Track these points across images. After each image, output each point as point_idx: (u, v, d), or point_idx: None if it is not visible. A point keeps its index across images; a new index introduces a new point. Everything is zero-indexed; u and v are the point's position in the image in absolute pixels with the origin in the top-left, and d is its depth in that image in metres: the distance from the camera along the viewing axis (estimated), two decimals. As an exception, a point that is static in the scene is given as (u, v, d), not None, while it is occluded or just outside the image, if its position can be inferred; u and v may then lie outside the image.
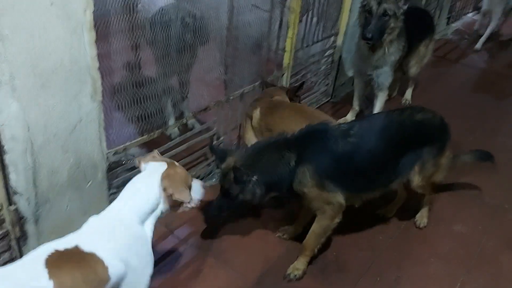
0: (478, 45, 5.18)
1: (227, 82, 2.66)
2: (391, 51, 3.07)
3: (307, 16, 3.09)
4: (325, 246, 2.33)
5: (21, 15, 1.43)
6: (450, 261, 2.33)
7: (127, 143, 2.19)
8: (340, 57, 3.68)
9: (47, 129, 1.66)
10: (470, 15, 5.92)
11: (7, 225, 1.70)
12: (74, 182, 1.84)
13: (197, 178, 2.67)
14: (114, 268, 1.41)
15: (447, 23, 5.68)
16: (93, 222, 1.55)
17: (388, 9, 2.84)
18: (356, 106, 3.52)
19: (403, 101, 3.90)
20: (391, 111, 2.41)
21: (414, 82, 3.86)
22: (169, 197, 1.63)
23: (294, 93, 2.75)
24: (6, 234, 1.72)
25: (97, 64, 1.71)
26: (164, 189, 1.62)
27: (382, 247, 2.41)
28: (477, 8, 5.34)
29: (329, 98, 3.86)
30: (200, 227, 2.41)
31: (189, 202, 1.71)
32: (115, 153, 2.07)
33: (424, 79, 4.13)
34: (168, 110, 2.73)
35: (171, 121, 2.70)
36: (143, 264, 1.57)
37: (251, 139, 2.59)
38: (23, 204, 1.70)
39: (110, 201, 2.11)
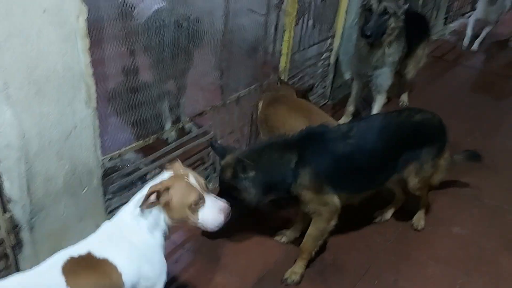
0: (475, 46, 5.16)
1: (223, 86, 2.66)
2: (391, 52, 3.06)
3: (303, 19, 3.08)
4: (322, 249, 2.32)
5: (14, 23, 1.43)
6: (449, 263, 2.32)
7: (123, 149, 2.18)
8: (337, 59, 3.68)
9: (42, 136, 1.65)
10: (468, 15, 5.90)
11: (2, 233, 1.69)
12: (70, 189, 1.84)
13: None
14: (127, 275, 1.45)
15: (445, 24, 5.68)
16: (105, 227, 1.57)
17: (388, 7, 2.84)
18: (350, 108, 3.49)
19: (400, 103, 3.90)
20: (390, 112, 2.41)
21: (411, 85, 3.86)
22: (168, 212, 1.55)
23: (302, 95, 2.77)
24: (1, 242, 1.72)
25: (91, 71, 1.71)
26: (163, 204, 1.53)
27: (380, 249, 2.40)
28: (475, 9, 5.29)
29: (326, 101, 3.85)
30: (197, 232, 2.40)
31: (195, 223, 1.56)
32: (111, 159, 2.07)
33: (421, 80, 4.13)
34: (165, 115, 2.73)
35: (168, 125, 2.70)
36: (156, 272, 1.57)
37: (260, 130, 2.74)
38: (18, 212, 1.69)
39: (106, 207, 2.13)
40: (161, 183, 1.53)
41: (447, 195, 2.80)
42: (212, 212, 1.57)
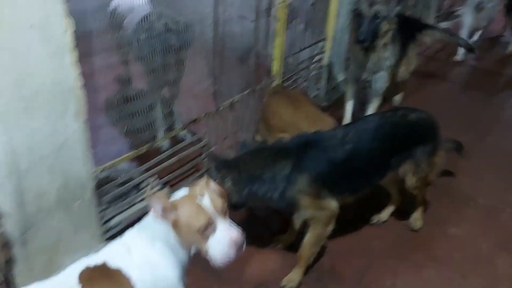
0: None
1: (216, 92, 2.65)
2: (387, 55, 3.04)
3: (294, 23, 3.08)
4: (320, 255, 2.31)
5: (1, 39, 1.41)
6: (446, 265, 2.32)
7: (115, 160, 2.17)
8: (330, 62, 3.68)
9: (32, 151, 1.64)
10: (459, 13, 5.89)
11: (-5, 249, 1.68)
12: (62, 203, 1.82)
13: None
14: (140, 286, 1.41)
15: (436, 22, 5.69)
16: (126, 237, 1.52)
17: (379, 11, 2.82)
18: (348, 117, 3.41)
19: (394, 104, 3.89)
20: (385, 112, 2.41)
21: (404, 86, 3.84)
22: (178, 234, 1.43)
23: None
24: (-6, 259, 1.70)
25: (79, 84, 1.70)
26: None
27: (378, 252, 2.40)
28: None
29: (321, 103, 3.85)
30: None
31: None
32: (103, 170, 2.05)
33: (414, 79, 4.13)
34: (158, 123, 2.73)
35: (161, 134, 2.69)
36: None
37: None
38: (10, 228, 1.67)
39: (101, 218, 2.12)
40: (169, 200, 1.42)
41: (442, 196, 2.80)
42: (220, 243, 1.38)
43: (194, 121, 2.59)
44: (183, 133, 2.84)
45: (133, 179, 2.38)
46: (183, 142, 2.69)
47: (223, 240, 1.37)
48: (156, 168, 2.47)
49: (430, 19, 5.49)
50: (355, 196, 2.23)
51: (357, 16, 2.90)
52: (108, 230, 2.18)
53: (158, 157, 2.49)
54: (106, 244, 2.07)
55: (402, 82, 3.72)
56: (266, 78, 3.03)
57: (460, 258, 2.37)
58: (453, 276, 2.26)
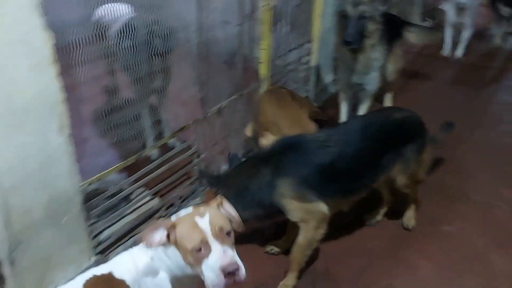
0: (459, 52, 4.95)
1: (203, 99, 2.63)
2: (375, 56, 3.01)
3: (279, 25, 3.06)
4: (314, 258, 2.30)
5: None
6: (442, 264, 2.31)
7: (103, 172, 2.13)
8: (318, 63, 3.67)
9: (16, 169, 1.60)
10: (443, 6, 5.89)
11: (-19, 271, 1.64)
12: (50, 219, 1.78)
13: (180, 199, 2.64)
14: None
15: (422, 19, 5.72)
16: (136, 249, 1.51)
17: (364, 11, 2.79)
18: (344, 120, 3.39)
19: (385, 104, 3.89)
20: (369, 113, 2.40)
21: (393, 85, 3.83)
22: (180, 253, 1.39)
23: (313, 116, 2.82)
24: (-19, 280, 1.66)
25: (62, 97, 1.66)
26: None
27: (372, 254, 2.39)
28: None
29: (310, 104, 3.85)
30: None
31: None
32: (90, 183, 2.02)
33: (402, 76, 4.14)
34: (147, 131, 2.69)
35: (150, 143, 2.65)
36: None
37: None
38: (-3, 247, 1.64)
39: (90, 232, 2.08)
40: (170, 220, 1.39)
41: (435, 193, 2.80)
42: (210, 268, 1.29)
43: (183, 128, 2.56)
44: (172, 141, 2.81)
45: (123, 191, 2.34)
46: (173, 150, 2.66)
47: (214, 266, 1.28)
48: (146, 178, 2.44)
49: (415, 17, 5.52)
50: (349, 199, 2.21)
51: (342, 17, 2.87)
52: (98, 244, 2.14)
53: (148, 166, 2.46)
54: (96, 259, 2.05)
55: (391, 81, 3.71)
56: (254, 82, 3.02)
57: (456, 257, 2.36)
58: (450, 275, 2.25)
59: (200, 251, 1.30)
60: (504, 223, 2.60)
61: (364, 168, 2.16)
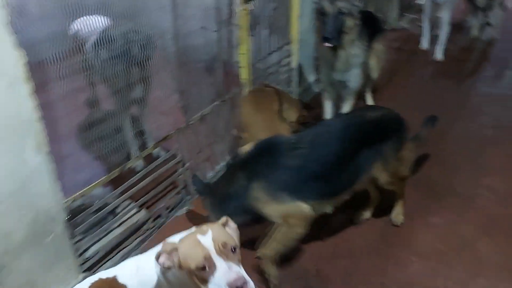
0: (439, 55, 4.80)
1: (184, 107, 2.61)
2: (355, 52, 3.01)
3: (258, 29, 3.06)
4: (304, 260, 2.30)
5: None
6: (430, 258, 2.33)
7: (87, 187, 2.10)
8: (300, 63, 3.68)
9: (-7, 190, 1.57)
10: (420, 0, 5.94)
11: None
12: (32, 240, 1.75)
13: (167, 209, 2.62)
14: None
15: (399, 14, 5.78)
16: (143, 256, 1.54)
17: (342, 7, 2.79)
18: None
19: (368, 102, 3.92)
20: (344, 114, 2.41)
21: (376, 82, 3.85)
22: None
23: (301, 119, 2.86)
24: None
25: (37, 115, 1.63)
26: None
27: (362, 252, 2.39)
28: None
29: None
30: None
31: None
32: (74, 200, 1.98)
33: (383, 72, 4.17)
34: (130, 143, 2.66)
35: (134, 154, 2.62)
36: None
37: None
38: (-22, 274, 1.59)
39: (76, 250, 2.04)
40: (173, 242, 1.38)
41: (420, 187, 2.82)
42: (218, 286, 1.26)
43: (166, 138, 2.54)
44: (157, 151, 2.78)
45: (108, 205, 2.31)
46: (157, 160, 2.63)
47: (220, 283, 1.25)
48: (131, 190, 2.41)
49: (393, 12, 5.58)
50: (330, 202, 2.18)
51: (320, 14, 2.88)
52: (86, 261, 2.11)
53: (133, 178, 2.43)
54: (84, 276, 2.02)
55: (374, 78, 3.71)
56: (236, 87, 3.01)
57: (444, 248, 2.38)
58: (439, 267, 2.27)
59: (205, 269, 1.27)
60: (488, 211, 2.63)
61: (339, 169, 2.13)
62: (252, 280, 1.31)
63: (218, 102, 2.83)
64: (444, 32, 4.77)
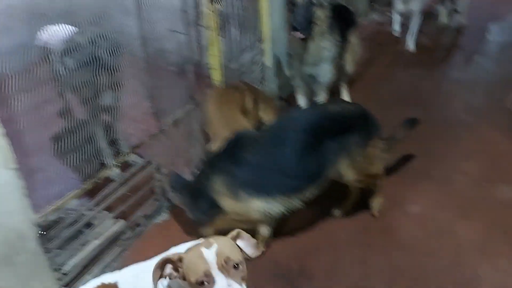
0: (411, 45, 4.82)
1: (157, 112, 2.58)
2: (325, 45, 3.02)
3: (227, 29, 3.04)
4: (288, 258, 2.30)
5: None
6: (411, 247, 2.35)
7: (61, 201, 2.06)
8: (274, 60, 3.67)
9: (-42, 212, 1.51)
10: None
11: None
12: (3, 260, 1.69)
13: (146, 217, 2.58)
14: None
15: (369, 6, 5.82)
16: (146, 263, 1.52)
17: None
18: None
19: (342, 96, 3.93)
20: (306, 108, 2.41)
21: (351, 76, 3.85)
22: None
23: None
24: None
25: (1, 131, 1.58)
26: None
27: (344, 244, 2.41)
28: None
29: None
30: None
31: None
32: (46, 215, 1.93)
33: (357, 65, 4.20)
34: (104, 152, 2.61)
35: (109, 162, 2.57)
36: None
37: None
38: None
39: (52, 265, 1.99)
40: (178, 253, 1.35)
41: (395, 174, 2.81)
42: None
43: (139, 145, 2.51)
44: (132, 158, 2.74)
45: (84, 216, 2.26)
46: (134, 167, 2.59)
47: None
48: (108, 200, 2.37)
49: (363, 4, 5.62)
50: (296, 197, 2.15)
51: (291, 5, 2.89)
52: (64, 276, 2.06)
53: (110, 186, 2.38)
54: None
55: (350, 72, 3.67)
56: (208, 89, 2.98)
57: (423, 236, 2.41)
58: (419, 256, 2.29)
59: (203, 284, 1.25)
60: (465, 195, 2.68)
61: (303, 163, 2.10)
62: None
63: (192, 105, 2.80)
64: (415, 25, 4.81)
